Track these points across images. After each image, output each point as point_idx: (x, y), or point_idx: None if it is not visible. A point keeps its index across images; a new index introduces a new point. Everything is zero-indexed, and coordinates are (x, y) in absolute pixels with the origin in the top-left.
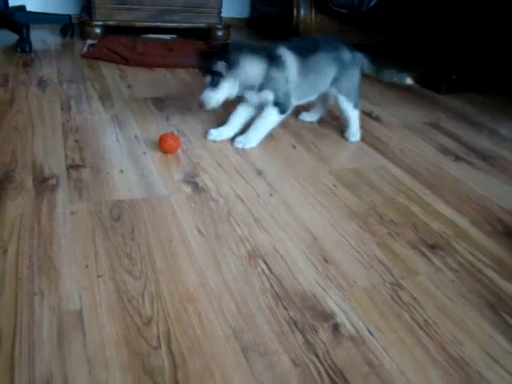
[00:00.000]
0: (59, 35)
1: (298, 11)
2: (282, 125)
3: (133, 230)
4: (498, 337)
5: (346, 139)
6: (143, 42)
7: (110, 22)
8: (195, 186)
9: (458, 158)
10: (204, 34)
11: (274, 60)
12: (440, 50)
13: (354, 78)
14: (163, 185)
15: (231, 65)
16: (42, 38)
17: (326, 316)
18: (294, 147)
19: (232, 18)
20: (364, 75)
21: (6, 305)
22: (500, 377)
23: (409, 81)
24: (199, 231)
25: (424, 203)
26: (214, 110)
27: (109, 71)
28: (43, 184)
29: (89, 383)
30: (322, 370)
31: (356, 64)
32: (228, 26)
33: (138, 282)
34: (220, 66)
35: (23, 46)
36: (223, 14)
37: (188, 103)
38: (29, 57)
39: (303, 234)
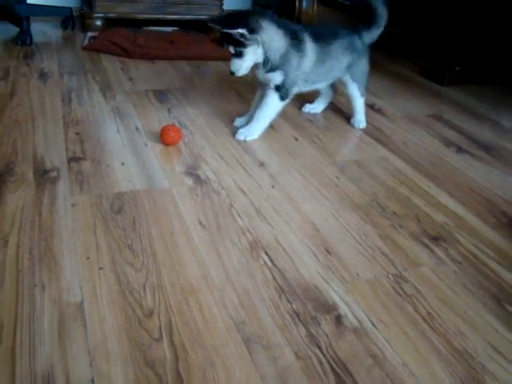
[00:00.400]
0: (60, 28)
1: (300, 2)
2: (284, 117)
3: (134, 222)
4: (501, 329)
5: (352, 126)
6: (144, 35)
7: (111, 15)
8: (197, 178)
9: (460, 150)
10: (205, 26)
11: (295, 42)
12: (443, 42)
13: (365, 66)
14: (164, 177)
15: (255, 28)
16: (43, 31)
17: (329, 308)
18: (296, 139)
19: (233, 10)
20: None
21: (7, 297)
22: (503, 369)
23: None
24: (201, 223)
25: (426, 195)
26: (245, 77)
27: (110, 63)
28: (44, 176)
29: (90, 375)
30: (324, 362)
31: (366, 52)
32: None
33: (139, 273)
34: (241, 33)
35: (24, 38)
36: (225, 6)
37: (189, 95)
38: (29, 49)
39: (305, 225)
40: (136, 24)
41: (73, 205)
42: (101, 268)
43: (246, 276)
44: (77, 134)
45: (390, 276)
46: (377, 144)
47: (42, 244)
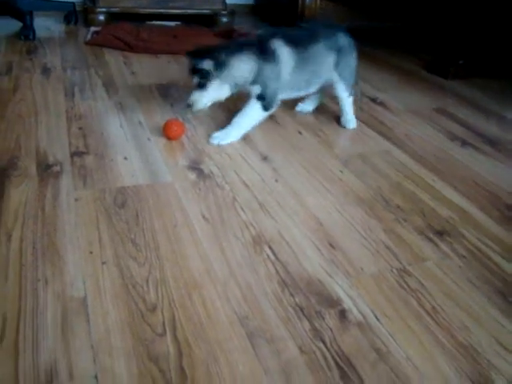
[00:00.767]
0: (63, 22)
1: None
2: (288, 111)
3: (137, 216)
4: (506, 323)
5: (344, 126)
6: (147, 29)
7: (114, 9)
8: (200, 172)
9: (465, 144)
10: (208, 20)
11: (266, 54)
12: (447, 35)
13: (352, 63)
14: (168, 171)
15: (219, 65)
16: (46, 26)
17: (333, 302)
18: (300, 133)
19: (237, 5)
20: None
21: (11, 291)
22: (509, 363)
23: None
24: (204, 217)
25: (431, 189)
26: (203, 113)
27: (113, 58)
28: (47, 171)
29: (93, 370)
30: (328, 356)
31: (353, 49)
32: (233, 12)
33: (142, 268)
34: (206, 64)
35: (27, 33)
36: (228, 1)
37: (192, 90)
38: (32, 44)
39: (309, 219)
40: (139, 18)
41: (76, 199)
42: (104, 262)
43: (249, 270)
44: (80, 128)
45: (395, 270)
46: (380, 138)
47: (45, 238)
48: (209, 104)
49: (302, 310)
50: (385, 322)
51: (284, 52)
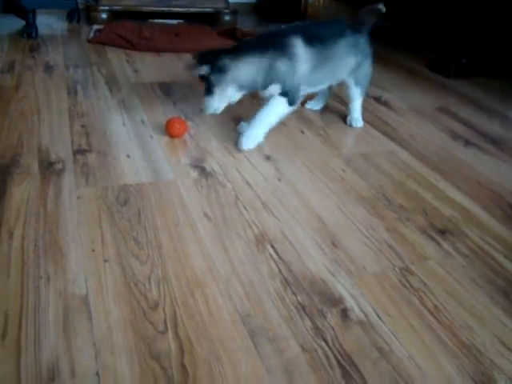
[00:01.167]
0: (65, 20)
1: None
2: None
3: (139, 214)
4: (509, 323)
5: (350, 125)
6: (150, 27)
7: (117, 7)
8: (202, 171)
9: (468, 143)
10: (211, 18)
11: (282, 52)
12: (449, 34)
13: (369, 68)
14: (170, 169)
15: (215, 70)
16: (49, 24)
17: (335, 301)
18: (303, 132)
19: (239, 3)
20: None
21: (12, 289)
22: None
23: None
24: (206, 215)
25: (434, 188)
26: (217, 115)
27: (115, 56)
28: (49, 169)
29: (95, 368)
30: (330, 355)
31: (370, 52)
32: (235, 10)
33: (144, 266)
34: (203, 70)
35: (29, 31)
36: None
37: (195, 88)
38: (35, 42)
39: (311, 218)
40: (141, 17)
41: (78, 197)
42: (106, 260)
43: (251, 268)
44: (82, 126)
45: (397, 269)
46: (383, 137)
47: (48, 236)
48: (221, 107)
49: (304, 308)
50: (387, 320)
51: (302, 49)
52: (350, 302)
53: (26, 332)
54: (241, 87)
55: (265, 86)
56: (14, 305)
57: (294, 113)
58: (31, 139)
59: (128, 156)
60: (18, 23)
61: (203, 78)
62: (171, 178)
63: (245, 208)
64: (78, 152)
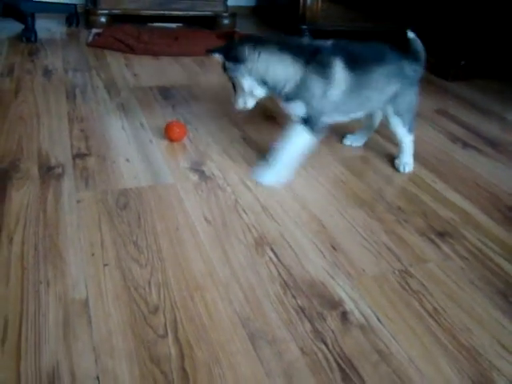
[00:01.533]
0: (64, 24)
1: None
2: None
3: (139, 218)
4: (508, 325)
5: (397, 170)
6: (149, 31)
7: (116, 11)
8: (202, 174)
9: (466, 145)
10: (210, 22)
11: (318, 67)
12: (448, 36)
13: (413, 96)
14: (170, 173)
15: (238, 57)
16: (48, 28)
17: (335, 304)
18: None
19: (238, 7)
20: None
21: (12, 294)
22: (511, 365)
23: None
24: (206, 219)
25: (432, 190)
26: (249, 111)
27: (114, 60)
28: (49, 173)
29: (95, 372)
30: (330, 358)
31: (416, 81)
32: (234, 14)
33: (144, 270)
34: (218, 57)
35: (28, 35)
36: (229, 2)
37: (194, 92)
38: (34, 46)
39: (311, 221)
40: (140, 20)
41: (78, 201)
42: (106, 264)
43: (251, 272)
44: (82, 130)
45: (396, 272)
46: (382, 139)
47: (47, 241)
48: (250, 103)
49: (303, 311)
50: (387, 323)
51: (340, 71)
52: (349, 305)
53: (26, 336)
54: (263, 83)
55: (287, 98)
56: (14, 309)
57: None
58: (31, 143)
59: (127, 160)
60: (17, 27)
61: (224, 69)
62: (171, 181)
63: (244, 212)
64: (78, 156)
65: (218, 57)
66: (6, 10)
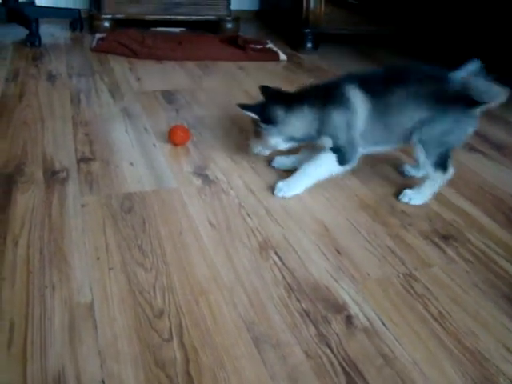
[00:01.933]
0: (68, 29)
1: (308, 2)
2: None
3: (144, 223)
4: None
5: (401, 197)
6: (152, 35)
7: (119, 16)
8: (205, 178)
9: (471, 149)
10: (213, 26)
11: (334, 103)
12: (448, 40)
13: (445, 125)
14: (173, 177)
15: (271, 119)
16: (51, 33)
17: (339, 307)
18: None
19: (241, 11)
20: None
21: (18, 297)
22: None
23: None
24: (210, 223)
25: (437, 194)
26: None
27: (118, 64)
28: (53, 177)
29: (100, 376)
30: (335, 361)
31: (450, 105)
32: (237, 18)
33: (149, 274)
34: (255, 117)
35: (32, 40)
36: (232, 7)
37: (198, 96)
38: (38, 51)
39: (315, 225)
40: (144, 25)
41: (82, 205)
42: (111, 268)
43: (255, 276)
44: (86, 134)
45: (401, 275)
46: None
47: (52, 245)
48: (266, 152)
49: (308, 315)
50: (391, 327)
51: (357, 98)
52: (354, 309)
53: (31, 340)
54: (290, 139)
55: (315, 139)
56: (20, 313)
57: None
58: (35, 148)
59: (131, 164)
60: (22, 32)
61: (254, 121)
62: (174, 185)
63: (248, 215)
64: (82, 160)
65: (251, 116)
66: (10, 16)
